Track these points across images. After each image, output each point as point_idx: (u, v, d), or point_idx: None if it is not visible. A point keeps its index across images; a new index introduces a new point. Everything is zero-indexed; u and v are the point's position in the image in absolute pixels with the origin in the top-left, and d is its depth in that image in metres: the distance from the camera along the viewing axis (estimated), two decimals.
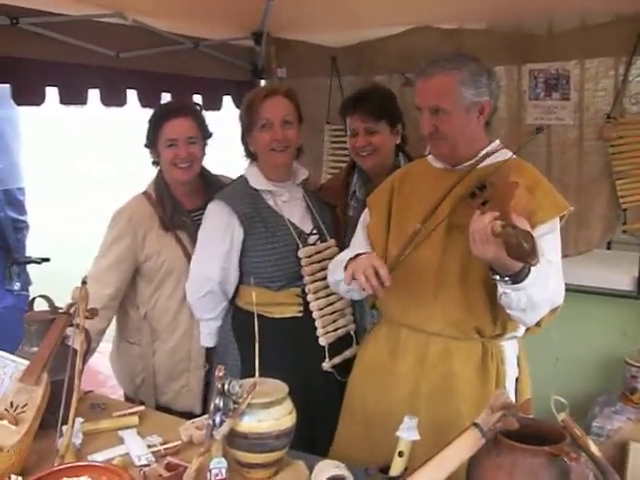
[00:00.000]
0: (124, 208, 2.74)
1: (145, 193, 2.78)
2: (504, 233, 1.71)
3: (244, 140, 2.66)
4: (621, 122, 3.25)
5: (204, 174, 2.85)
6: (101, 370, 3.76)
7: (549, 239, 2.03)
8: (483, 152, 2.13)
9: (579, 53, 3.31)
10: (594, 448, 1.54)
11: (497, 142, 2.17)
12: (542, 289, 1.92)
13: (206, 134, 2.80)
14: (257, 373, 1.81)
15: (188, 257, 2.69)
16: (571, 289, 2.18)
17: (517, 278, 1.85)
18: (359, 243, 2.33)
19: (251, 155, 2.67)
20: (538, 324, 2.15)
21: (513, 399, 2.10)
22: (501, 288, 1.91)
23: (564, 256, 2.14)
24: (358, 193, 2.86)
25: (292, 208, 2.65)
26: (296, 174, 2.71)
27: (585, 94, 3.33)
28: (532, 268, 1.83)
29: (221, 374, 1.70)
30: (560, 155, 3.45)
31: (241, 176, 2.67)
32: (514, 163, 2.10)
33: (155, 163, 2.79)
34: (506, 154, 2.12)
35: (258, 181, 2.61)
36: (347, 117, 2.82)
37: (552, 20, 3.31)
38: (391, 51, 3.68)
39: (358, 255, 2.15)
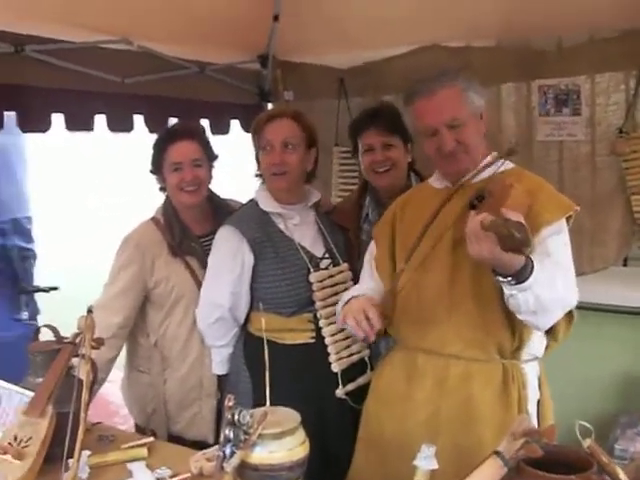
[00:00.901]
0: (132, 234, 2.70)
1: (153, 218, 2.75)
2: (493, 224, 1.68)
3: (257, 161, 2.62)
4: (634, 136, 3.21)
5: (213, 199, 2.82)
6: (112, 400, 3.72)
7: (556, 240, 1.99)
8: (483, 163, 2.10)
9: (589, 68, 3.27)
10: (623, 476, 1.48)
11: (495, 153, 2.14)
12: (549, 289, 1.86)
13: (212, 156, 2.77)
14: (268, 402, 1.76)
15: (198, 283, 2.64)
16: (588, 307, 2.14)
17: (520, 277, 1.79)
18: (367, 276, 2.30)
19: (261, 176, 2.63)
20: (555, 338, 2.12)
21: (535, 423, 2.05)
22: (507, 291, 1.86)
23: (580, 274, 2.10)
24: (371, 216, 2.81)
25: (303, 231, 2.61)
26: (308, 197, 2.67)
27: (596, 109, 3.29)
28: (535, 267, 1.79)
29: (231, 404, 1.64)
30: (572, 171, 3.40)
31: (251, 199, 2.64)
32: (514, 172, 2.10)
33: (162, 189, 2.76)
34: (506, 164, 2.10)
35: (268, 203, 2.57)
36: (362, 133, 2.77)
37: (561, 36, 3.28)
38: (398, 71, 3.65)
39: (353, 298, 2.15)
